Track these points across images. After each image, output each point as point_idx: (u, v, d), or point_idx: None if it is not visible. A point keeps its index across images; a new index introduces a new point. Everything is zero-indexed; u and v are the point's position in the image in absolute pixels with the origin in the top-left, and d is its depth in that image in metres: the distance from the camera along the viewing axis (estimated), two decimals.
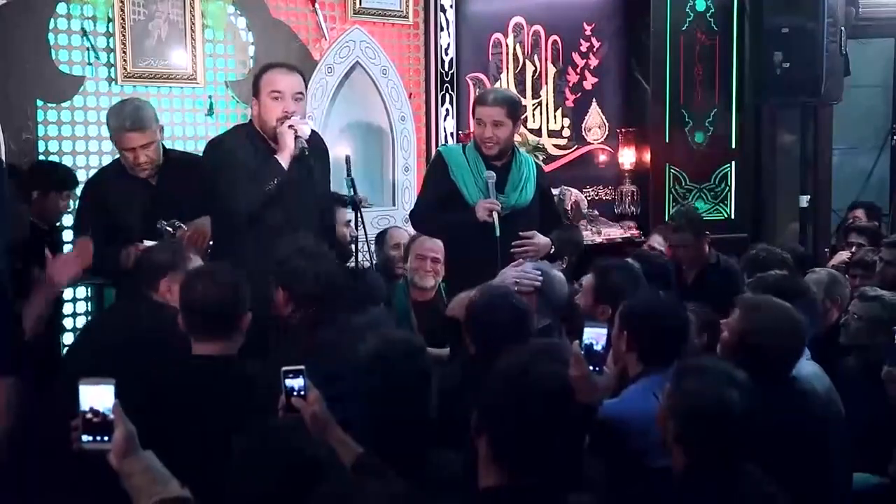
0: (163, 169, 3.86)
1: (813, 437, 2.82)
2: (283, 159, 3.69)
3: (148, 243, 3.60)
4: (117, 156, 3.83)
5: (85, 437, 2.00)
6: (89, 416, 2.00)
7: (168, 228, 3.68)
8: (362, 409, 2.46)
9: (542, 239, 4.08)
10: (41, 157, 4.62)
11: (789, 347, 2.89)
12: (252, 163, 3.71)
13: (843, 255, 5.32)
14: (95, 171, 4.28)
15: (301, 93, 3.79)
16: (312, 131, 3.87)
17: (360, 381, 2.47)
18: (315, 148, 3.85)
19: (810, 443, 2.79)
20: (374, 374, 2.46)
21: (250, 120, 3.89)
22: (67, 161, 4.70)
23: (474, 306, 3.05)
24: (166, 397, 2.52)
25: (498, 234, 3.92)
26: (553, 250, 4.19)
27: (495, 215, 3.93)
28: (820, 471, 2.80)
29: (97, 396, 2.01)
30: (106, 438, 1.99)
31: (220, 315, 2.63)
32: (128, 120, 3.74)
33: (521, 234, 4.00)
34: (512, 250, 3.90)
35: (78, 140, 4.76)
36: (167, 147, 4.02)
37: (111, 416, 2.00)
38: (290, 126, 3.70)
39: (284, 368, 2.40)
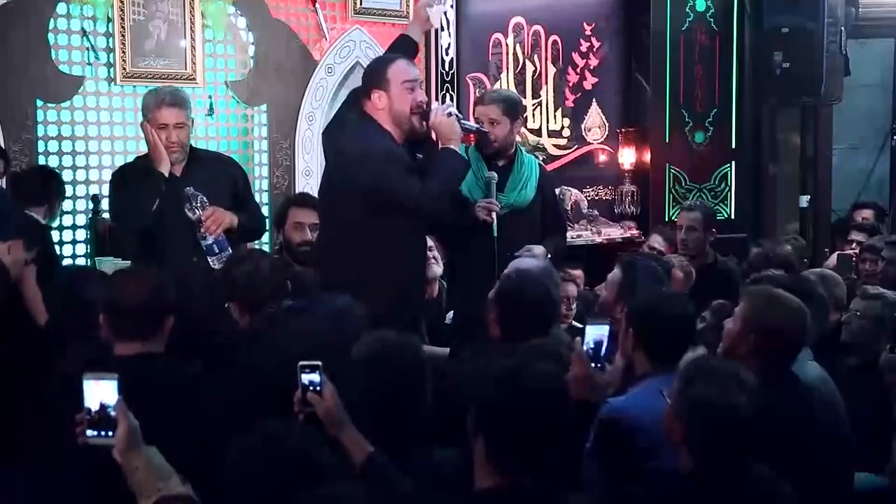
0: (189, 164, 3.78)
1: (814, 434, 2.81)
2: (457, 148, 3.67)
3: None
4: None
5: (89, 432, 2.02)
6: (93, 411, 2.01)
7: (195, 196, 3.61)
8: (356, 409, 2.42)
9: (537, 249, 4.02)
10: (41, 158, 4.63)
11: (795, 335, 2.86)
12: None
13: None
14: (115, 168, 4.18)
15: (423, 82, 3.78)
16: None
17: (354, 381, 2.44)
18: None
19: (812, 440, 2.78)
20: (366, 374, 2.43)
21: (362, 112, 3.71)
22: (67, 161, 4.71)
23: (505, 287, 3.05)
24: None
25: (496, 234, 3.91)
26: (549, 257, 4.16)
27: (494, 215, 3.92)
28: (822, 469, 2.79)
29: (101, 392, 2.02)
30: (110, 433, 2.00)
31: (147, 315, 2.57)
32: (167, 95, 3.74)
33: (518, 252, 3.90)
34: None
35: (78, 140, 4.76)
36: (192, 145, 3.92)
37: (114, 412, 2.01)
38: (451, 114, 3.68)
39: (301, 363, 2.35)
